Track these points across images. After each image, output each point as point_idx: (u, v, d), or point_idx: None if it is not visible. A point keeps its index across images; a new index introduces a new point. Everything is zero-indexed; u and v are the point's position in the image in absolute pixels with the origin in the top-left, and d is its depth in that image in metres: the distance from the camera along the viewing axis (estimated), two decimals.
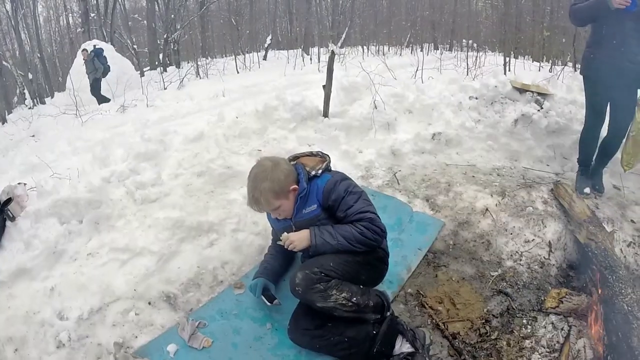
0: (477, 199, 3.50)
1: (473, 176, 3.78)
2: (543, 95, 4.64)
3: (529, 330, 2.81)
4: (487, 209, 3.42)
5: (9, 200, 3.16)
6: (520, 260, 3.19)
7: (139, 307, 2.73)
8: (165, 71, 14.83)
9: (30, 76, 17.33)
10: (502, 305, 2.89)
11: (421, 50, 15.74)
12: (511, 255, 3.20)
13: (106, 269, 2.90)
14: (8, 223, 3.12)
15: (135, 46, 19.12)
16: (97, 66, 11.41)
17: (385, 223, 2.44)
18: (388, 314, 2.46)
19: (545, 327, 2.84)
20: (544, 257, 3.26)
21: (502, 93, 4.65)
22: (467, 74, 6.73)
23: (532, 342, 2.75)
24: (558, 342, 2.76)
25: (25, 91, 16.24)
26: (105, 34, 17.75)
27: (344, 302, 2.27)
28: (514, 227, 3.36)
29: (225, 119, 4.56)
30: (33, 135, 8.48)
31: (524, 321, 2.87)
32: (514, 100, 4.63)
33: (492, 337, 2.72)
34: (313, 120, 4.50)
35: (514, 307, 2.90)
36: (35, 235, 3.02)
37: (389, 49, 18.11)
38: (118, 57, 14.00)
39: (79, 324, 2.55)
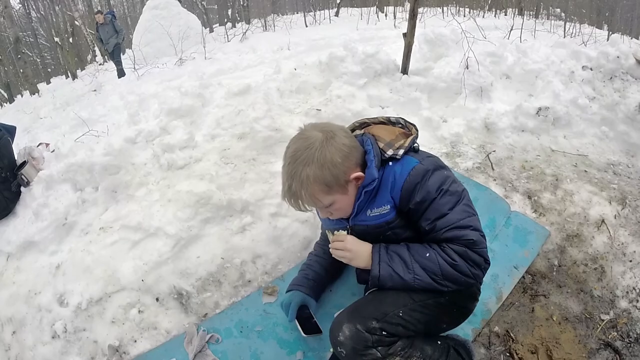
0: (592, 204, 2.43)
1: (585, 171, 2.67)
2: None
3: None
4: (603, 221, 2.37)
5: (23, 164, 2.71)
6: (637, 301, 2.19)
7: (145, 302, 2.04)
8: (234, 27, 13.62)
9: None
10: None
11: (505, 15, 13.42)
12: (627, 292, 2.20)
13: (115, 249, 2.22)
14: (22, 188, 2.71)
15: (204, 2, 17.71)
16: (118, 29, 9.54)
17: None
18: None
19: None
20: None
21: (623, 67, 3.34)
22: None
23: None
24: None
25: (96, 49, 15.82)
26: None
27: None
28: (634, 252, 2.32)
29: (281, 70, 3.49)
30: (95, 90, 8.00)
31: None
32: (638, 78, 3.35)
33: None
34: (389, 76, 3.33)
35: None
36: (46, 204, 2.50)
37: (469, 11, 15.68)
38: (184, 12, 12.88)
39: (76, 314, 2.02)
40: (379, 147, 1.46)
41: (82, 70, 13.90)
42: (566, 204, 2.40)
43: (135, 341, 1.94)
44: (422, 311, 1.42)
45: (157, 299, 2.05)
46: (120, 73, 9.24)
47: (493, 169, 2.57)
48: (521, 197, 2.39)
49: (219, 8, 18.47)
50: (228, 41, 10.20)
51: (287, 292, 1.81)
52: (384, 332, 1.35)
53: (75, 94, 8.31)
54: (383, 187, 1.43)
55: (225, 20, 16.52)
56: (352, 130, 1.58)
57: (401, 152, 1.44)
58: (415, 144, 1.52)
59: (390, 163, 1.44)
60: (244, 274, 2.13)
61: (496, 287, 1.97)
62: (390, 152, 1.44)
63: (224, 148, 2.63)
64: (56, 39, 14.14)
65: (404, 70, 3.23)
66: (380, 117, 1.61)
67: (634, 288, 2.25)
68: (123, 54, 9.98)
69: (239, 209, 2.30)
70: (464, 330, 1.77)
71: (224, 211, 2.29)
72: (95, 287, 2.08)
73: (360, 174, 1.42)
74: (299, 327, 1.71)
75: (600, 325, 2.04)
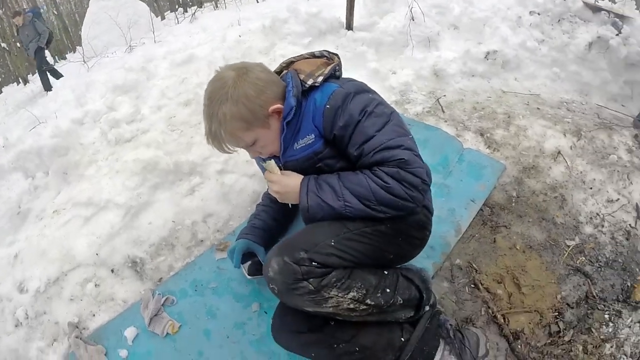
0: (547, 137, 2.30)
1: (538, 108, 2.54)
2: (621, 17, 3.27)
3: (610, 330, 1.77)
4: (559, 152, 2.23)
5: None
6: (602, 226, 2.06)
7: (100, 276, 1.89)
8: (186, 12, 12.85)
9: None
10: (579, 290, 1.81)
11: None
12: (591, 218, 2.07)
13: (68, 229, 2.05)
14: None
15: None
16: (40, 30, 7.40)
17: (426, 161, 1.32)
18: (427, 308, 1.38)
19: (630, 327, 1.80)
20: (630, 225, 2.13)
21: (571, 10, 3.25)
22: None
23: (612, 347, 1.72)
24: None
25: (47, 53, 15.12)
26: None
27: (351, 306, 1.21)
28: (594, 179, 2.20)
29: (226, 39, 3.33)
30: (46, 90, 7.25)
31: (606, 316, 1.81)
32: (586, 20, 3.25)
33: (566, 339, 1.67)
34: (334, 34, 3.17)
35: (594, 294, 1.82)
36: None
37: None
38: (131, 0, 11.99)
39: (36, 298, 1.87)
40: (300, 79, 1.33)
41: (33, 75, 12.93)
42: (520, 139, 2.26)
43: (94, 315, 1.79)
44: (360, 240, 1.24)
45: (112, 271, 1.90)
46: (46, 84, 7.39)
47: (443, 112, 2.40)
48: (473, 135, 2.23)
49: None
50: (178, 23, 9.45)
51: (236, 240, 1.67)
52: (314, 263, 1.16)
53: (28, 96, 7.76)
54: (305, 116, 1.31)
55: (177, 6, 15.55)
56: (280, 72, 1.44)
57: (320, 79, 1.32)
58: (338, 72, 1.39)
59: (313, 92, 1.31)
60: (196, 234, 1.97)
61: (454, 220, 1.80)
62: (310, 82, 1.32)
63: (170, 116, 2.51)
64: (3, 44, 13.08)
65: (349, 26, 3.05)
66: (304, 54, 1.47)
67: (597, 214, 2.12)
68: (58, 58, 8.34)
69: (187, 171, 2.16)
70: (424, 265, 1.60)
71: (172, 175, 2.14)
72: (52, 268, 1.92)
73: (279, 106, 1.29)
74: (243, 270, 1.61)
75: (566, 251, 1.90)
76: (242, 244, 1.62)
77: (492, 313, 1.61)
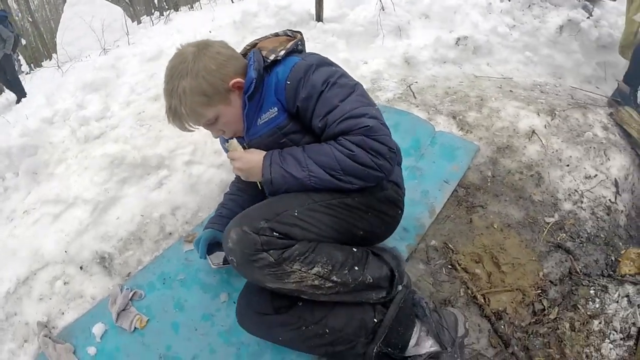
0: (520, 117, 2.25)
1: (511, 91, 2.50)
2: (592, 0, 3.29)
3: (597, 306, 1.71)
4: (533, 132, 2.19)
5: None
6: (582, 202, 2.01)
7: (69, 273, 1.82)
8: (162, 15, 13.11)
9: (23, 42, 15.35)
10: (562, 266, 1.75)
11: None
12: (569, 195, 2.02)
13: (37, 227, 1.99)
14: None
15: None
16: (5, 36, 6.51)
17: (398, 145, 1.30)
18: (400, 288, 1.30)
19: (618, 302, 1.75)
20: (610, 200, 2.09)
21: None
22: None
23: (600, 323, 1.66)
24: (634, 324, 1.68)
25: (20, 57, 14.28)
26: None
27: (316, 282, 1.13)
28: (570, 157, 2.16)
29: (196, 36, 3.28)
30: (18, 100, 6.97)
31: (591, 292, 1.75)
32: (556, 4, 3.26)
33: (551, 317, 1.61)
34: (304, 26, 3.12)
35: (577, 270, 1.77)
36: None
37: None
38: (106, 5, 11.89)
39: (7, 299, 1.81)
40: (262, 56, 1.29)
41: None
42: (493, 120, 2.21)
43: (63, 313, 1.71)
44: (326, 212, 1.17)
45: (81, 268, 1.83)
46: (20, 94, 6.51)
47: (415, 97, 2.34)
48: (446, 118, 2.18)
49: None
50: (152, 25, 9.28)
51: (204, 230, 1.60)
52: (275, 233, 1.09)
53: (2, 105, 7.48)
54: (267, 90, 1.26)
55: (153, 10, 15.27)
56: (245, 55, 1.38)
57: (282, 52, 1.27)
58: (300, 47, 1.35)
59: (275, 67, 1.26)
60: (164, 227, 1.90)
61: (427, 202, 1.73)
62: (272, 57, 1.27)
63: (138, 112, 2.47)
64: None
65: (318, 18, 3.01)
66: (268, 35, 1.43)
67: (575, 190, 2.07)
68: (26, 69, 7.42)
69: (155, 165, 2.10)
70: (398, 248, 1.53)
71: (140, 169, 2.08)
72: (21, 269, 1.86)
73: (239, 80, 1.24)
74: (209, 261, 1.53)
75: (546, 228, 1.84)
76: (208, 233, 1.54)
77: (472, 293, 1.54)
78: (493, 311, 1.53)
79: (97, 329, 1.54)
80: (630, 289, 1.77)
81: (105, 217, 1.95)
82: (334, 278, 1.14)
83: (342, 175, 1.16)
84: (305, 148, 1.21)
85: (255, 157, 1.24)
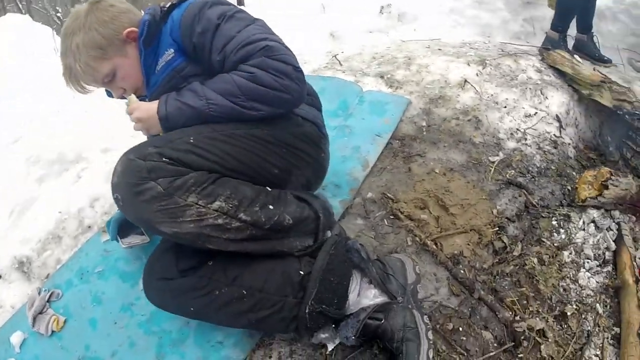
0: (450, 69, 2.16)
1: (439, 49, 2.42)
2: None
3: (563, 237, 1.57)
4: (465, 81, 2.09)
5: None
6: (526, 139, 1.90)
7: None
8: None
9: None
10: (516, 202, 1.60)
11: None
12: (512, 134, 1.90)
13: None
14: None
15: (59, 14, 16.69)
16: None
17: (324, 110, 1.25)
18: (328, 234, 1.11)
19: (584, 230, 1.61)
20: (554, 134, 1.99)
21: None
22: None
23: (571, 254, 1.52)
24: (608, 249, 1.53)
25: None
26: (20, 5, 15.14)
27: (219, 221, 0.93)
28: (507, 99, 2.06)
29: None
30: None
31: (554, 223, 1.61)
32: None
33: (515, 254, 1.45)
34: None
35: (534, 203, 1.63)
36: None
37: None
38: (37, 26, 11.90)
39: None
40: (160, 6, 1.20)
41: None
42: (423, 75, 2.10)
43: None
44: (229, 142, 1.00)
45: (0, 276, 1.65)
46: None
47: (341, 65, 2.21)
48: (373, 79, 2.04)
49: None
50: None
51: None
52: (164, 159, 0.91)
53: None
54: (164, 34, 1.16)
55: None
56: None
57: None
58: None
59: (171, 12, 1.17)
60: (83, 221, 1.72)
61: (359, 156, 1.57)
62: (167, 5, 1.18)
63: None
64: None
65: (239, 2, 2.92)
66: None
67: (517, 129, 1.95)
68: None
69: (72, 159, 1.97)
70: (332, 204, 1.35)
71: (57, 165, 1.95)
72: None
73: (133, 29, 1.15)
74: (119, 241, 1.38)
75: (492, 167, 1.71)
76: (120, 214, 1.34)
77: (421, 241, 1.36)
78: (448, 256, 1.35)
79: (16, 338, 1.37)
80: (594, 213, 1.65)
81: (24, 220, 1.78)
82: (242, 216, 0.94)
83: (245, 101, 1.02)
84: (204, 82, 1.07)
85: (154, 105, 1.09)
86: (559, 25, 2.70)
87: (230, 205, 0.93)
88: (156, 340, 1.19)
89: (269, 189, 1.04)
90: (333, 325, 1.07)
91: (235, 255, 1.00)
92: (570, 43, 2.74)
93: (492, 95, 2.06)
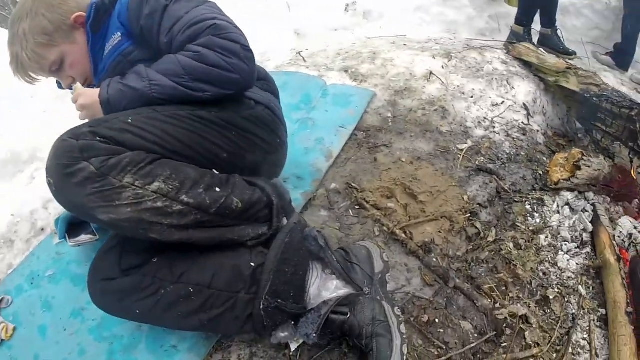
0: (416, 63, 2.11)
1: (404, 44, 2.39)
2: None
3: (537, 221, 1.51)
4: (431, 73, 2.05)
5: None
6: (494, 127, 1.86)
7: None
8: None
9: None
10: (487, 188, 1.54)
11: None
12: (479, 122, 1.86)
13: None
14: None
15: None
16: None
17: (286, 104, 1.21)
18: (285, 222, 1.02)
19: (559, 212, 1.56)
20: (522, 122, 1.96)
21: None
22: None
23: (548, 237, 1.46)
24: (585, 230, 1.47)
25: None
26: None
27: (159, 204, 0.83)
28: (473, 89, 2.02)
29: None
30: None
31: (527, 207, 1.55)
32: None
33: (490, 240, 1.38)
34: None
35: (505, 188, 1.57)
36: None
37: None
38: None
39: None
40: None
41: None
42: (388, 68, 2.04)
43: None
44: (170, 122, 0.92)
45: None
46: None
47: (305, 61, 2.15)
48: (338, 73, 1.97)
49: None
50: None
51: None
52: (98, 138, 0.82)
53: None
54: (113, 18, 1.11)
55: None
56: None
57: None
58: None
59: None
60: (36, 224, 1.60)
61: (323, 148, 1.48)
62: None
63: None
64: None
65: None
66: None
67: (485, 118, 1.91)
68: None
69: (26, 159, 1.88)
70: (293, 196, 1.26)
71: (10, 166, 1.86)
72: None
73: (81, 14, 1.10)
74: (67, 239, 1.30)
75: (460, 154, 1.65)
76: (67, 212, 1.23)
77: (389, 230, 1.27)
78: (419, 245, 1.27)
79: None
80: (568, 195, 1.59)
81: None
82: (184, 198, 0.84)
83: (189, 81, 0.95)
84: (150, 65, 1.00)
85: (98, 90, 1.01)
86: (524, 19, 2.72)
87: (171, 187, 0.83)
88: (107, 346, 1.07)
89: (216, 172, 0.95)
90: (292, 323, 0.95)
91: (183, 250, 0.90)
92: (535, 38, 2.76)
93: (458, 86, 2.02)
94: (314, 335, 0.93)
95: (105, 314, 1.00)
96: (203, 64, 0.94)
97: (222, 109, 1.01)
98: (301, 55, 2.18)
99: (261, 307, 0.89)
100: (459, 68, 2.16)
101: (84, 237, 1.27)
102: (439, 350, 1.10)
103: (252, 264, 0.92)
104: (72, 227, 1.29)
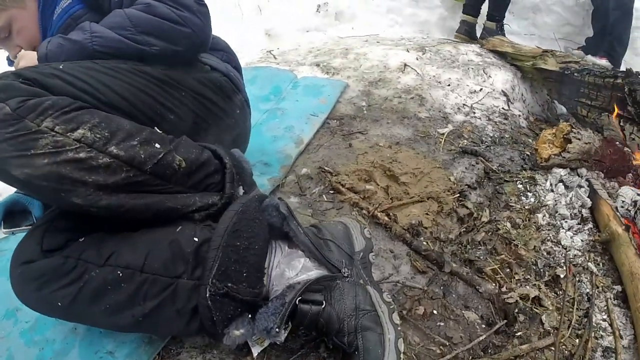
0: (389, 56, 2.01)
1: (378, 42, 2.30)
2: None
3: (532, 200, 1.37)
4: (406, 65, 1.95)
5: None
6: (474, 113, 1.75)
7: None
8: None
9: None
10: (475, 169, 1.40)
11: None
12: (459, 108, 1.74)
13: None
14: None
15: None
16: None
17: (255, 95, 1.14)
18: (240, 191, 0.84)
19: (553, 190, 1.42)
20: (503, 108, 1.85)
21: None
22: None
23: (545, 217, 1.31)
24: (583, 206, 1.34)
25: None
26: None
27: (82, 155, 0.64)
28: (450, 78, 1.93)
29: None
30: None
31: (519, 186, 1.41)
32: None
33: (484, 220, 1.22)
34: None
35: (493, 169, 1.43)
36: None
37: None
38: None
39: None
40: None
41: None
42: (361, 62, 1.94)
43: None
44: (109, 73, 0.78)
45: None
46: None
47: (276, 58, 2.03)
48: (309, 68, 1.86)
49: None
50: None
51: None
52: (20, 79, 0.68)
53: None
54: None
55: None
56: None
57: None
58: None
59: None
60: None
61: (292, 135, 1.34)
62: None
63: None
64: None
65: None
66: None
67: (464, 104, 1.80)
68: None
69: None
70: (259, 182, 1.10)
71: None
72: None
73: None
74: (1, 226, 1.06)
75: (442, 138, 1.52)
76: (8, 197, 1.02)
77: (369, 213, 1.11)
78: (405, 227, 1.11)
79: None
80: (560, 172, 1.46)
81: None
82: (113, 150, 0.67)
83: (135, 34, 0.85)
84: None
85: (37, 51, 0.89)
86: (496, 14, 2.68)
87: (98, 136, 0.67)
88: (36, 352, 0.87)
89: (158, 130, 0.78)
90: (250, 316, 0.74)
91: (115, 227, 0.73)
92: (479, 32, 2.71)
93: (434, 76, 1.92)
94: (277, 330, 0.71)
95: (40, 314, 0.81)
96: (152, 15, 0.86)
97: (173, 69, 0.89)
98: (272, 54, 2.08)
99: (207, 294, 0.69)
100: (433, 60, 2.07)
101: (19, 227, 1.08)
102: (441, 347, 0.91)
103: (196, 239, 0.72)
104: (10, 216, 1.10)
